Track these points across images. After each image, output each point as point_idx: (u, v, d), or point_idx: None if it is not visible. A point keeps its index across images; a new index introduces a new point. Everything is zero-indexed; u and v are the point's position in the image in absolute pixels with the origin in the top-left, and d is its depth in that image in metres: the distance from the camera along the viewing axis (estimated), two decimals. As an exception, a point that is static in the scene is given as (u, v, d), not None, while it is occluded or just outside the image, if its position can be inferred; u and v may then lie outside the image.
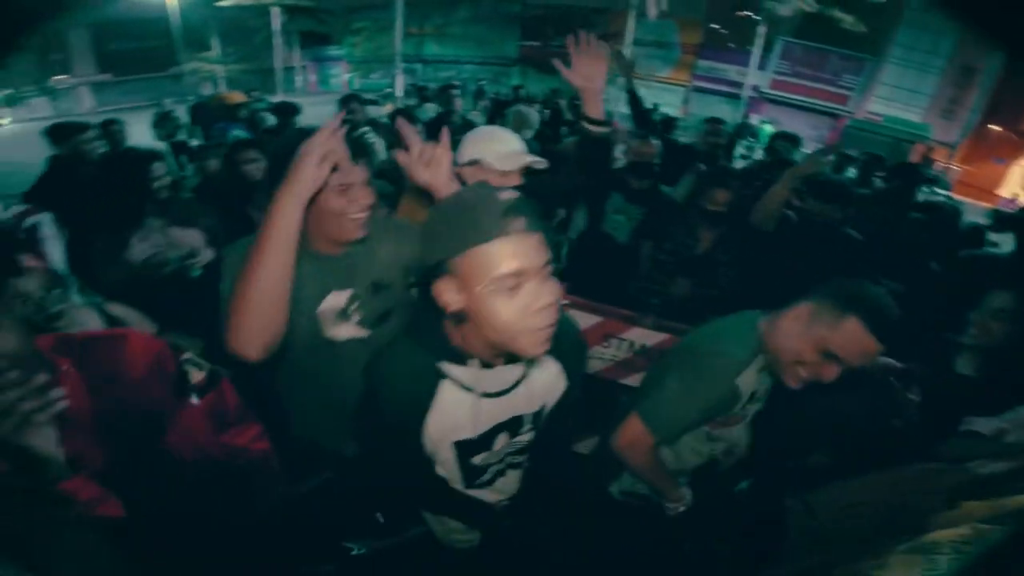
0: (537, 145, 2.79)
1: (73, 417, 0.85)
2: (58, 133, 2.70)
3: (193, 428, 1.03)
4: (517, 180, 1.47)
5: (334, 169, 1.01)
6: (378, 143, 3.11)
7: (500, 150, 1.48)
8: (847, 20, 15.21)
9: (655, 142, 2.60)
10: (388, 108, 5.27)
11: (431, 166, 1.11)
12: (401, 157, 1.14)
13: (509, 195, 0.75)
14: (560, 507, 1.21)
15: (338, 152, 0.99)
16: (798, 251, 2.14)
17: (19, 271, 1.19)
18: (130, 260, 1.78)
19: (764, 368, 1.21)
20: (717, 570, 1.44)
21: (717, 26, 18.14)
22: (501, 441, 0.98)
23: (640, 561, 1.45)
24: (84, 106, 16.73)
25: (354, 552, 1.10)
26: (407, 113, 2.87)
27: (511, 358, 0.88)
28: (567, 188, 1.94)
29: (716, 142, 3.28)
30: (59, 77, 17.87)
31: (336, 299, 1.14)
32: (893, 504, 1.05)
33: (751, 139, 7.50)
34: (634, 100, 3.02)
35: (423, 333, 0.88)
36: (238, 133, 3.78)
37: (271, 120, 4.10)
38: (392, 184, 1.75)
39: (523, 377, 0.94)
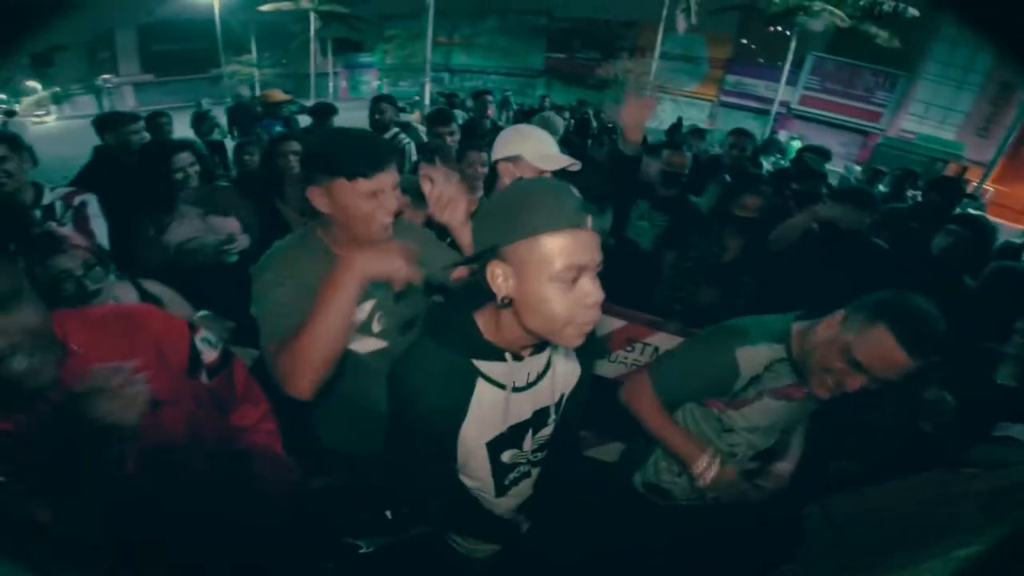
0: (564, 150, 2.82)
1: None
2: (107, 123, 2.82)
3: (197, 408, 1.00)
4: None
5: (365, 175, 1.01)
6: (410, 145, 3.17)
7: (540, 149, 1.53)
8: (881, 35, 15.05)
9: (688, 153, 2.63)
10: (416, 116, 5.37)
11: (448, 208, 1.10)
12: (424, 186, 1.13)
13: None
14: (575, 509, 1.21)
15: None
16: (824, 260, 2.11)
17: (61, 249, 1.22)
18: (168, 244, 1.85)
19: (781, 361, 1.18)
20: (732, 573, 1.40)
21: (747, 41, 18.08)
22: (528, 436, 0.96)
23: (657, 564, 1.43)
24: (127, 105, 17.45)
25: (362, 550, 1.08)
26: (444, 112, 2.91)
27: (538, 348, 0.88)
28: (598, 192, 1.97)
29: (742, 154, 3.27)
30: (104, 76, 18.70)
31: (358, 311, 1.11)
32: (918, 512, 1.01)
33: (779, 156, 7.39)
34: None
35: (454, 331, 0.85)
36: (280, 130, 3.92)
37: (307, 122, 4.24)
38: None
39: (548, 367, 0.93)
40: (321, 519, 1.14)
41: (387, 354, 1.16)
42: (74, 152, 2.86)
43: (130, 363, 0.85)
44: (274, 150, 2.37)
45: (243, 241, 1.95)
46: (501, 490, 0.99)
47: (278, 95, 5.29)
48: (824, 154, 3.66)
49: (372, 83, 21.92)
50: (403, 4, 20.19)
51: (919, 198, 3.56)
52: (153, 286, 1.51)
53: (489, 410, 0.87)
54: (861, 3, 14.83)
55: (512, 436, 0.93)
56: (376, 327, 1.18)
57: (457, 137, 2.80)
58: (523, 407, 0.92)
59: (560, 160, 1.52)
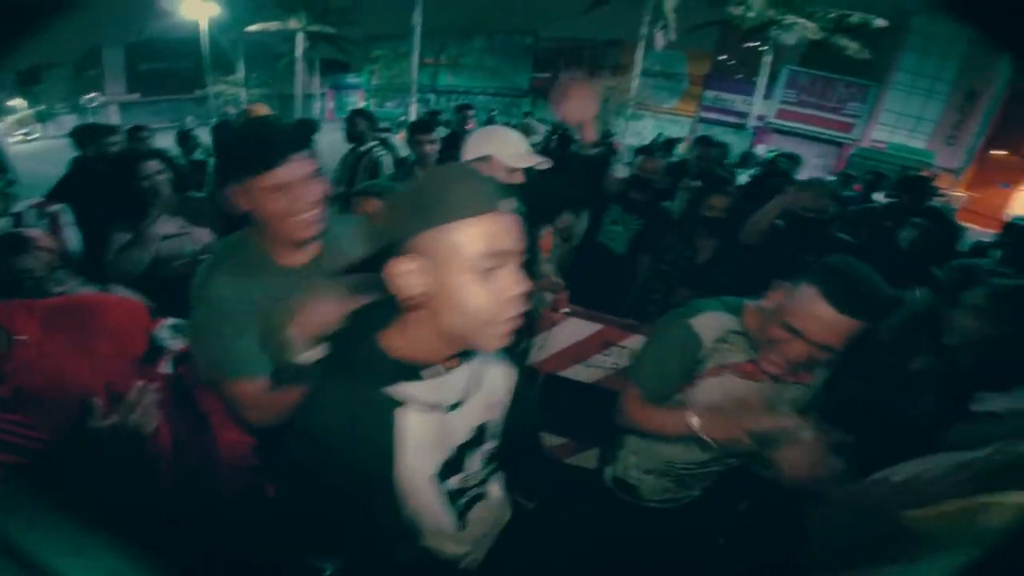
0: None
1: (29, 391, 0.81)
2: (85, 135, 2.83)
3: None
4: (521, 178, 1.58)
5: (267, 169, 0.94)
6: (385, 158, 3.22)
7: (511, 149, 1.57)
8: (851, 47, 15.46)
9: (660, 160, 2.71)
10: (401, 136, 5.43)
11: None
12: None
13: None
14: (551, 516, 1.19)
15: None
16: (793, 257, 2.16)
17: (25, 248, 1.22)
18: (144, 253, 1.86)
19: (738, 334, 1.18)
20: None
21: (725, 57, 18.61)
22: (474, 457, 0.85)
23: (631, 565, 1.41)
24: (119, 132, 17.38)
25: (327, 573, 1.00)
26: (425, 123, 2.97)
27: (464, 357, 0.79)
28: (575, 198, 2.02)
29: (708, 160, 3.39)
30: (90, 95, 18.67)
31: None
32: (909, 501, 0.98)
33: (758, 169, 7.59)
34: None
35: (357, 361, 0.74)
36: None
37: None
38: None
39: (479, 377, 0.84)
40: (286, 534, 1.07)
41: None
42: (57, 171, 2.85)
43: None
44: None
45: (217, 251, 1.96)
46: (459, 522, 0.87)
47: (260, 109, 5.33)
48: (794, 159, 3.78)
49: (359, 104, 22.18)
50: (390, 25, 20.56)
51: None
52: (120, 292, 1.51)
53: (423, 440, 0.75)
54: (831, 15, 15.29)
55: (456, 460, 0.82)
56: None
57: (437, 147, 2.88)
58: (461, 426, 0.81)
59: (531, 158, 1.57)
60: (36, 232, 1.42)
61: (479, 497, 0.90)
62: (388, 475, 0.75)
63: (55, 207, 1.88)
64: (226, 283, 1.00)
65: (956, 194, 14.24)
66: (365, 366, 0.73)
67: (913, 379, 1.59)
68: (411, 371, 0.73)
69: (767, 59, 16.32)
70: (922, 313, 1.68)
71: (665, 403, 1.23)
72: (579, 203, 2.54)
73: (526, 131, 3.24)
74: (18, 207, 1.84)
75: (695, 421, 1.09)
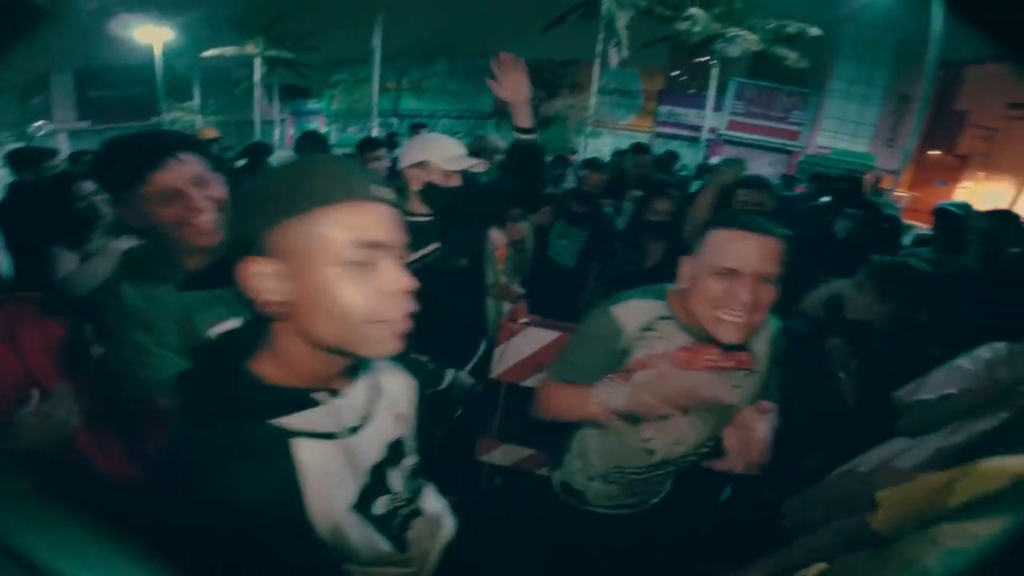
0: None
1: None
2: (22, 158, 2.73)
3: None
4: (458, 181, 1.62)
5: (143, 176, 0.88)
6: None
7: (446, 153, 1.62)
8: (790, 56, 16.18)
9: (601, 175, 2.88)
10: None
11: None
12: None
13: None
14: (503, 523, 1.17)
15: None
16: None
17: None
18: (104, 267, 1.83)
19: (665, 319, 1.15)
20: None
21: (677, 72, 19.37)
22: (394, 476, 0.78)
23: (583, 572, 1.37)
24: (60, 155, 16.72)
25: None
26: (371, 141, 3.02)
27: (353, 373, 0.72)
28: (507, 191, 1.94)
29: (643, 166, 3.55)
30: (37, 123, 17.91)
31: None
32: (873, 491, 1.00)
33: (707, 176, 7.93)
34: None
35: (231, 394, 0.62)
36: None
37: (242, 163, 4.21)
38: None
39: (376, 392, 0.76)
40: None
41: None
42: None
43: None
44: None
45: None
46: (395, 540, 0.79)
47: (210, 132, 5.25)
48: (738, 163, 3.97)
49: (320, 130, 22.00)
50: (351, 49, 20.54)
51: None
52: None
53: (328, 470, 0.66)
54: (769, 26, 15.99)
55: (376, 483, 0.74)
56: None
57: (385, 163, 2.93)
58: (370, 447, 0.73)
59: (466, 160, 1.62)
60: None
61: (414, 514, 0.84)
62: (302, 515, 0.64)
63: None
64: (138, 293, 0.97)
65: (899, 194, 15.10)
66: (243, 402, 0.62)
67: (835, 359, 1.68)
68: (298, 397, 0.64)
69: (715, 72, 16.98)
70: (839, 296, 1.80)
71: None
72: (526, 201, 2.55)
73: (482, 144, 3.31)
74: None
75: (604, 394, 1.03)
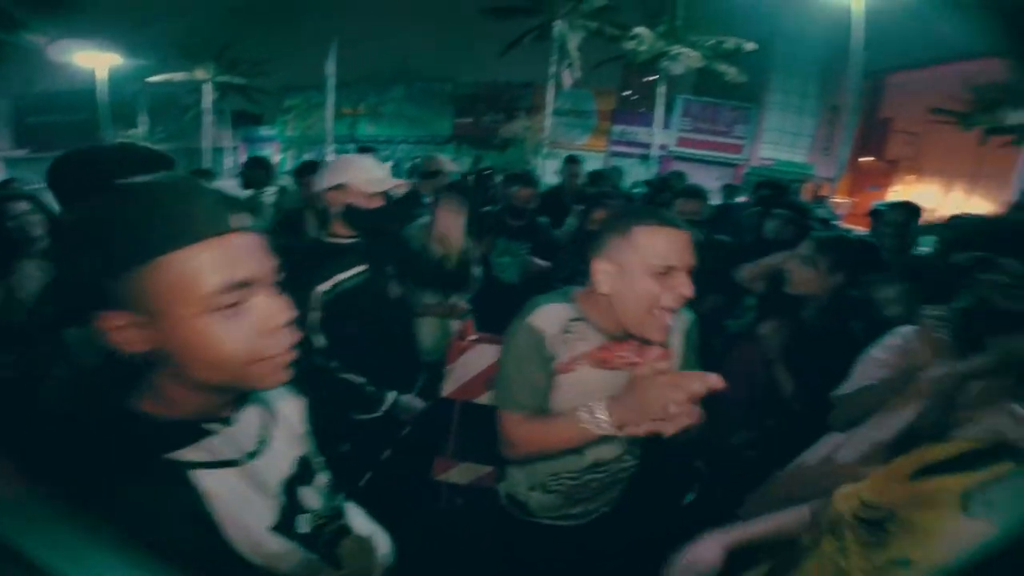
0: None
1: None
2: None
3: None
4: (381, 202, 1.61)
5: None
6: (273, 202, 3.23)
7: (366, 174, 1.59)
8: (730, 72, 16.97)
9: (532, 188, 2.93)
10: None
11: None
12: None
13: (216, 186, 0.58)
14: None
15: None
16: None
17: None
18: (18, 300, 1.76)
19: (577, 320, 1.16)
20: None
21: (628, 92, 20.11)
22: (308, 494, 0.78)
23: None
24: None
25: None
26: (310, 164, 3.01)
27: (241, 400, 0.70)
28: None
29: (575, 178, 3.71)
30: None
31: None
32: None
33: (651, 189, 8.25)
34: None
35: (123, 431, 0.58)
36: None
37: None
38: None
39: (269, 415, 0.75)
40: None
41: None
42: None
43: None
44: None
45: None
46: (327, 558, 0.79)
47: None
48: (681, 176, 4.18)
49: (274, 157, 21.50)
50: (304, 75, 20.33)
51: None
52: None
53: (238, 497, 0.65)
54: (709, 43, 16.75)
55: (291, 502, 0.73)
56: None
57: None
58: (275, 467, 0.72)
59: (388, 181, 1.59)
60: None
61: (342, 531, 0.83)
62: (223, 544, 0.62)
63: None
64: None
65: (838, 200, 16.02)
66: (133, 440, 0.58)
67: (769, 343, 1.74)
68: (190, 429, 0.61)
69: (661, 90, 17.65)
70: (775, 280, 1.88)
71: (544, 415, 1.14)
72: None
73: (431, 166, 3.36)
74: None
75: (600, 413, 0.95)
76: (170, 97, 20.92)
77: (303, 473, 0.77)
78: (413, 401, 1.74)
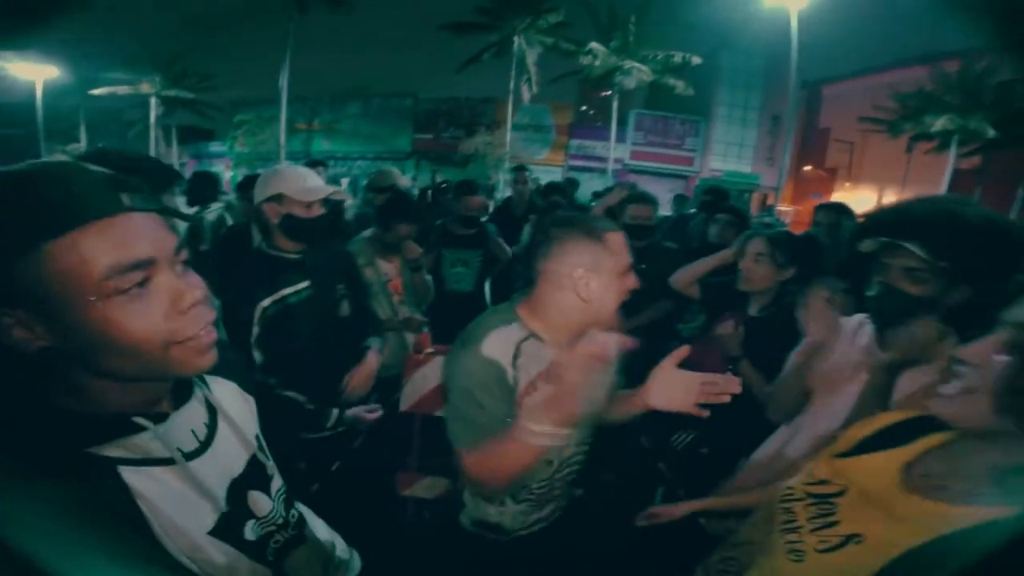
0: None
1: None
2: None
3: None
4: (320, 211, 1.56)
5: None
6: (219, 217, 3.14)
7: (301, 183, 1.54)
8: (678, 86, 17.77)
9: (481, 197, 2.96)
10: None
11: None
12: None
13: (104, 170, 0.54)
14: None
15: None
16: (635, 265, 2.44)
17: None
18: None
19: (527, 339, 1.09)
20: None
21: (585, 106, 20.67)
22: (257, 499, 0.74)
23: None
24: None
25: None
26: (250, 178, 2.95)
27: (179, 394, 0.67)
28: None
29: (524, 188, 3.79)
30: None
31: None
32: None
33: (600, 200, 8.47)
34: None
35: (44, 424, 0.54)
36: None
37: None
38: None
39: (212, 411, 0.72)
40: None
41: None
42: None
43: None
44: None
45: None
46: (273, 567, 0.75)
47: None
48: (630, 186, 4.34)
49: (226, 173, 20.81)
50: (257, 89, 19.94)
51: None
52: None
53: (174, 498, 0.61)
54: (659, 57, 17.52)
55: (237, 506, 0.69)
56: None
57: None
58: (217, 472, 0.68)
59: (324, 189, 1.55)
60: None
61: (296, 541, 0.79)
62: (155, 546, 0.59)
63: None
64: None
65: (784, 208, 16.88)
66: (54, 434, 0.54)
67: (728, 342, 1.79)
68: (114, 424, 0.57)
69: (615, 104, 18.25)
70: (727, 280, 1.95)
71: None
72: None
73: (385, 178, 3.34)
74: None
75: (536, 424, 0.90)
76: (113, 112, 20.04)
77: (253, 476, 0.74)
78: (361, 413, 1.68)
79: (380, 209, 2.34)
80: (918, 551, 0.60)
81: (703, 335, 2.09)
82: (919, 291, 1.04)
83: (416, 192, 5.36)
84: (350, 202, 3.62)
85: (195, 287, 0.56)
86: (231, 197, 3.48)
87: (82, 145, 19.49)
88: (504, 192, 8.49)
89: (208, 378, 0.74)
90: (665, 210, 6.02)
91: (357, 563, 0.90)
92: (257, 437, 0.79)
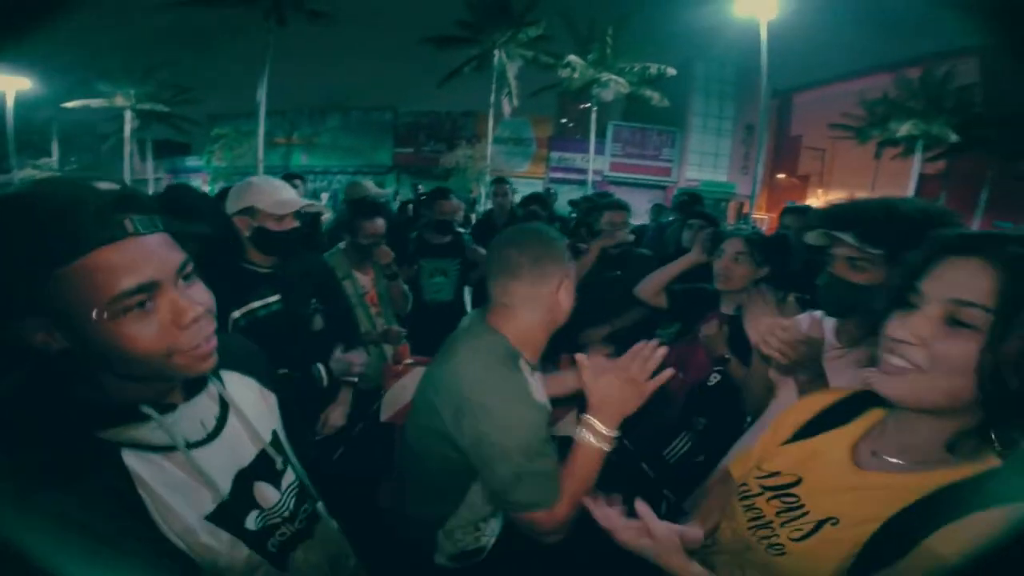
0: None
1: None
2: None
3: None
4: (293, 224, 1.55)
5: None
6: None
7: (273, 196, 1.53)
8: (654, 97, 18.03)
9: (454, 201, 2.93)
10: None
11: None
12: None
13: (109, 185, 0.57)
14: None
15: None
16: (599, 272, 2.47)
17: None
18: None
19: (517, 357, 1.05)
20: None
21: (565, 119, 20.95)
22: (264, 491, 0.76)
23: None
24: None
25: None
26: (224, 191, 2.92)
27: (191, 387, 0.71)
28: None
29: (504, 199, 3.80)
30: None
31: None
32: None
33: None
34: None
35: (48, 409, 0.59)
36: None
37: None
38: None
39: (224, 405, 0.76)
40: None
41: None
42: None
43: None
44: None
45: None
46: (274, 559, 0.76)
47: None
48: (605, 195, 4.42)
49: (203, 188, 20.57)
50: (233, 102, 19.74)
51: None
52: None
53: (173, 483, 0.64)
54: (635, 69, 17.84)
55: (242, 496, 0.72)
56: None
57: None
58: (221, 462, 0.71)
59: (296, 202, 1.53)
60: None
61: (302, 536, 0.81)
62: (151, 528, 0.62)
63: None
64: None
65: (759, 216, 17.25)
66: (65, 417, 0.59)
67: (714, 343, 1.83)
68: (124, 411, 0.63)
69: (593, 116, 18.48)
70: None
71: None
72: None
73: (355, 191, 3.34)
74: None
75: (598, 427, 0.94)
76: (86, 125, 19.64)
77: (261, 468, 0.77)
78: (348, 358, 1.70)
79: (348, 215, 2.33)
80: (897, 519, 0.59)
81: (681, 339, 2.12)
82: (862, 279, 1.09)
83: (395, 203, 5.36)
84: (327, 216, 3.61)
85: (196, 303, 0.60)
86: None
87: (54, 159, 19.05)
88: (485, 205, 8.51)
89: (225, 374, 0.78)
90: (644, 220, 6.14)
91: (351, 557, 0.91)
92: (274, 432, 0.82)
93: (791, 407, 0.87)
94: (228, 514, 0.69)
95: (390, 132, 20.99)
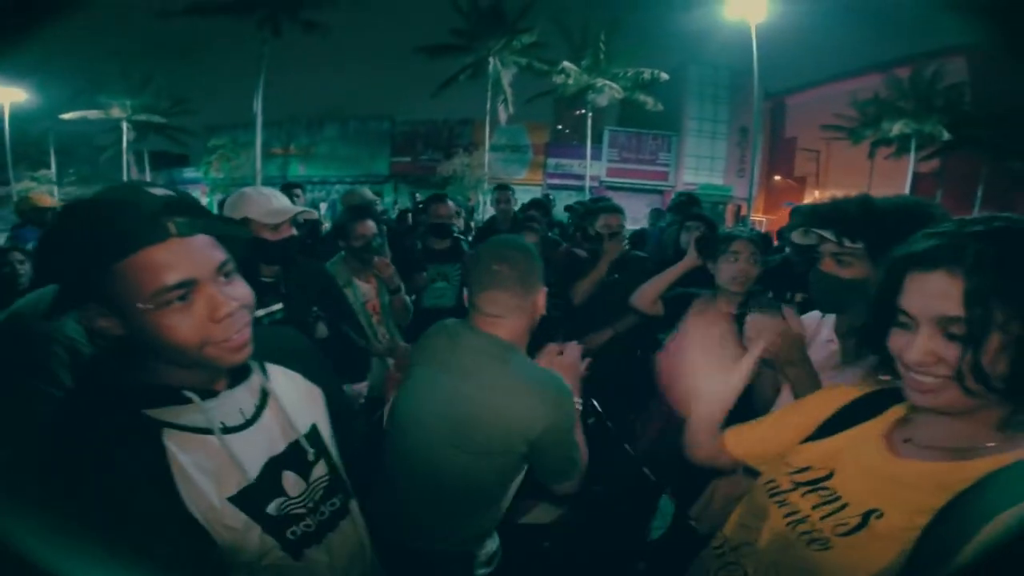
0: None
1: None
2: None
3: None
4: (290, 231, 1.56)
5: None
6: None
7: (267, 206, 1.53)
8: (649, 102, 18.13)
9: (451, 203, 2.93)
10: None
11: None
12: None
13: (162, 191, 0.65)
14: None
15: None
16: (610, 276, 2.47)
17: None
18: None
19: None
20: None
21: (561, 125, 21.01)
22: (291, 480, 0.79)
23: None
24: None
25: None
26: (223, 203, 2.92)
27: (236, 375, 0.77)
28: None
29: (507, 206, 3.81)
30: None
31: None
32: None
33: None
34: None
35: (112, 386, 0.68)
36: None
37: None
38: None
39: (265, 395, 0.80)
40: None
41: None
42: None
43: None
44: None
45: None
46: (290, 546, 0.77)
47: (44, 200, 4.79)
48: (601, 199, 4.45)
49: (202, 200, 20.42)
50: (230, 113, 19.78)
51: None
52: None
53: (202, 464, 0.69)
54: (629, 74, 17.92)
55: (268, 483, 0.75)
56: None
57: None
58: (252, 449, 0.75)
59: (290, 210, 1.53)
60: None
61: (326, 528, 0.82)
62: (177, 501, 0.66)
63: None
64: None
65: (757, 218, 17.32)
66: (122, 393, 0.67)
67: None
68: (167, 394, 0.69)
69: (589, 122, 18.55)
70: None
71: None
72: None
73: (351, 199, 3.35)
74: None
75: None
76: (83, 137, 19.66)
77: (292, 458, 0.80)
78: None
79: (341, 221, 2.35)
80: (950, 509, 0.58)
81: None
82: (849, 274, 1.10)
83: (394, 211, 5.36)
84: (326, 226, 3.61)
85: (232, 298, 0.67)
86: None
87: (52, 171, 19.04)
88: (484, 212, 8.51)
89: (270, 366, 0.83)
90: (643, 224, 6.16)
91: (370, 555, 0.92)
92: (313, 426, 0.85)
93: (802, 402, 0.88)
94: (250, 498, 0.73)
95: (387, 141, 20.99)
